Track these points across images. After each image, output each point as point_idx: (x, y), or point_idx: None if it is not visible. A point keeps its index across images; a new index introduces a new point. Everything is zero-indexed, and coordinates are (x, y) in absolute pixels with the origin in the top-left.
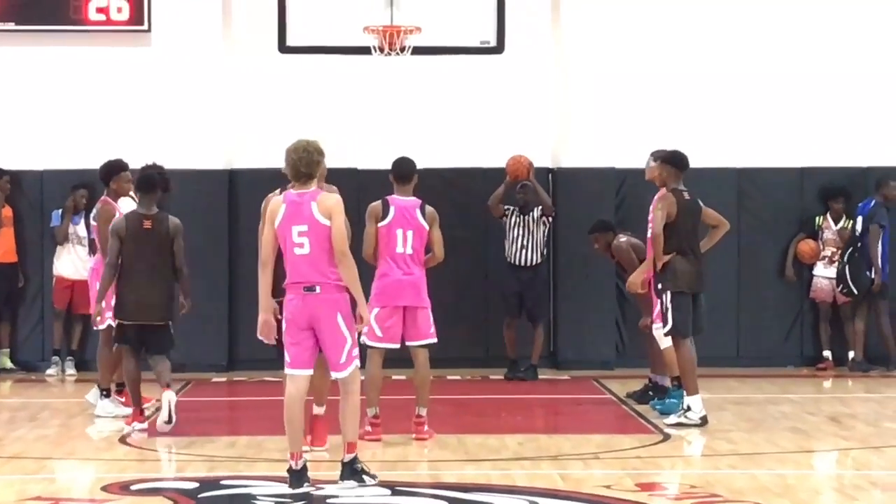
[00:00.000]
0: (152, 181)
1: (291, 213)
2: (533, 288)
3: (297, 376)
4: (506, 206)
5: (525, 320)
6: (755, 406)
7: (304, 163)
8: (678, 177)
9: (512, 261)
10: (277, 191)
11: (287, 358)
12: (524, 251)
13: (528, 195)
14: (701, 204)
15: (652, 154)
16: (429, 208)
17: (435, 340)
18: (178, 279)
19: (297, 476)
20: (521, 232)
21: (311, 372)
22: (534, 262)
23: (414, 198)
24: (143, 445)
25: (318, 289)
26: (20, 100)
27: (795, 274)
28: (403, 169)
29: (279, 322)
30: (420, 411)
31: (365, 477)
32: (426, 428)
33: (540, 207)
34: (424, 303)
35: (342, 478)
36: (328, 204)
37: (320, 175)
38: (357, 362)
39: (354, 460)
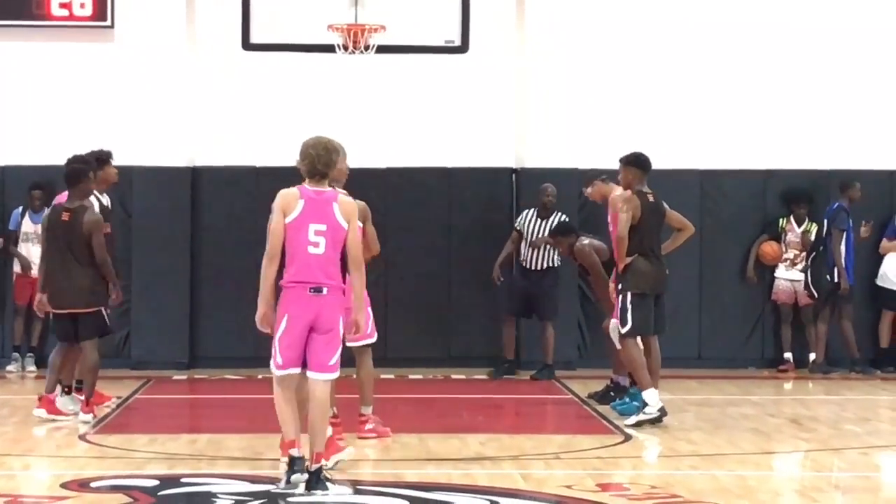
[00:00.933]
0: (75, 174)
1: (311, 210)
2: (542, 289)
3: (286, 376)
4: (526, 209)
5: (525, 322)
6: (716, 407)
7: (323, 161)
8: (642, 178)
9: (525, 264)
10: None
11: (279, 359)
12: (537, 254)
13: (552, 197)
14: (665, 206)
15: (596, 179)
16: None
17: (374, 340)
18: (102, 271)
19: (297, 463)
20: (538, 236)
21: (298, 370)
22: (545, 266)
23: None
24: (103, 443)
25: (325, 290)
26: None
27: (757, 276)
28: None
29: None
30: (361, 409)
31: (329, 484)
32: (368, 427)
33: (559, 214)
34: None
35: (308, 487)
36: (349, 208)
37: (339, 175)
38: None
39: (320, 469)
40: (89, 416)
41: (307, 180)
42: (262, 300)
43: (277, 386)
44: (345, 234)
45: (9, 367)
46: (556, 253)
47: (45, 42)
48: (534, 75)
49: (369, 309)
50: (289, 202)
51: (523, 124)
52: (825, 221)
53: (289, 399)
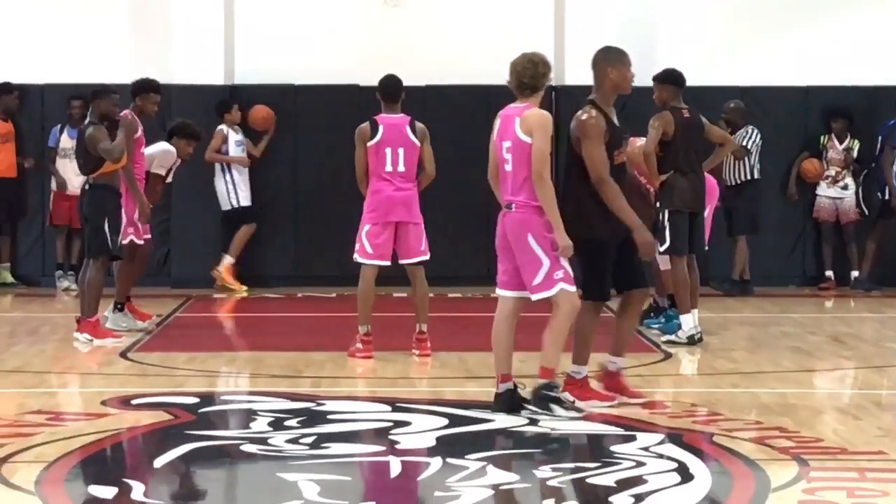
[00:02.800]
0: (94, 93)
1: (502, 127)
2: (735, 204)
3: (503, 296)
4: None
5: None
6: (757, 326)
7: (529, 74)
8: (676, 94)
9: (724, 179)
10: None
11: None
12: (732, 170)
13: (732, 115)
14: (704, 121)
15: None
16: (419, 125)
17: (427, 257)
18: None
19: (501, 399)
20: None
21: (515, 293)
22: (739, 181)
23: (403, 115)
24: (144, 360)
25: (513, 207)
26: (18, 14)
27: (798, 193)
28: (390, 87)
29: None
30: (421, 328)
31: (553, 406)
32: (428, 344)
33: (749, 127)
34: (416, 218)
35: (531, 403)
36: (531, 121)
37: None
38: (563, 286)
39: (547, 386)
40: (85, 336)
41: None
42: (560, 228)
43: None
44: (528, 149)
45: (63, 284)
46: (749, 166)
47: None
48: None
49: (422, 227)
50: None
51: (562, 40)
52: (879, 138)
53: (502, 322)
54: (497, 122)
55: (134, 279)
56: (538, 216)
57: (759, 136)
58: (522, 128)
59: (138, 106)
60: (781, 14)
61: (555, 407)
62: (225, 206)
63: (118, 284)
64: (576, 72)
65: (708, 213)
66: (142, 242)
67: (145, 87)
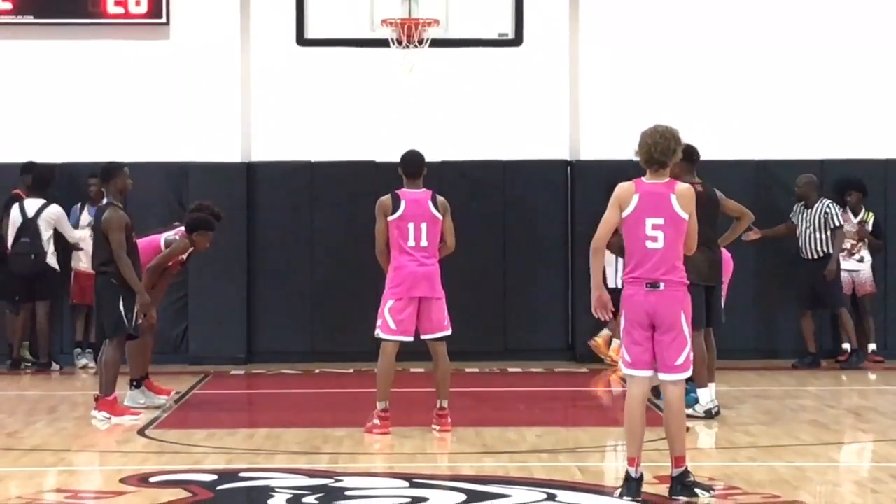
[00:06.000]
0: (107, 171)
1: (647, 203)
2: (821, 278)
3: (638, 377)
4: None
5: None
6: (774, 399)
7: (660, 149)
8: (690, 170)
9: (802, 254)
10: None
11: (627, 357)
12: (810, 243)
13: (803, 188)
14: (719, 195)
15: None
16: (440, 198)
17: (449, 332)
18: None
19: (632, 486)
20: (806, 225)
21: (650, 373)
22: (821, 254)
23: (424, 189)
24: (162, 438)
25: (661, 285)
26: (40, 93)
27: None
28: (413, 163)
29: None
30: (442, 404)
31: (698, 490)
32: (448, 420)
33: (826, 202)
34: (439, 293)
35: (671, 494)
36: (688, 197)
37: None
38: (690, 370)
39: (684, 474)
40: (103, 415)
41: (647, 173)
42: (595, 286)
43: (629, 386)
44: (685, 226)
45: (82, 362)
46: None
47: (101, 40)
48: (587, 67)
49: (443, 302)
50: (624, 197)
51: (577, 116)
52: None
53: (638, 404)
54: (635, 198)
55: (147, 353)
56: (687, 295)
57: (836, 207)
58: (681, 204)
59: (193, 239)
60: (796, 88)
61: (700, 491)
62: None
63: (130, 361)
64: (591, 147)
65: (724, 286)
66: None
67: (205, 225)
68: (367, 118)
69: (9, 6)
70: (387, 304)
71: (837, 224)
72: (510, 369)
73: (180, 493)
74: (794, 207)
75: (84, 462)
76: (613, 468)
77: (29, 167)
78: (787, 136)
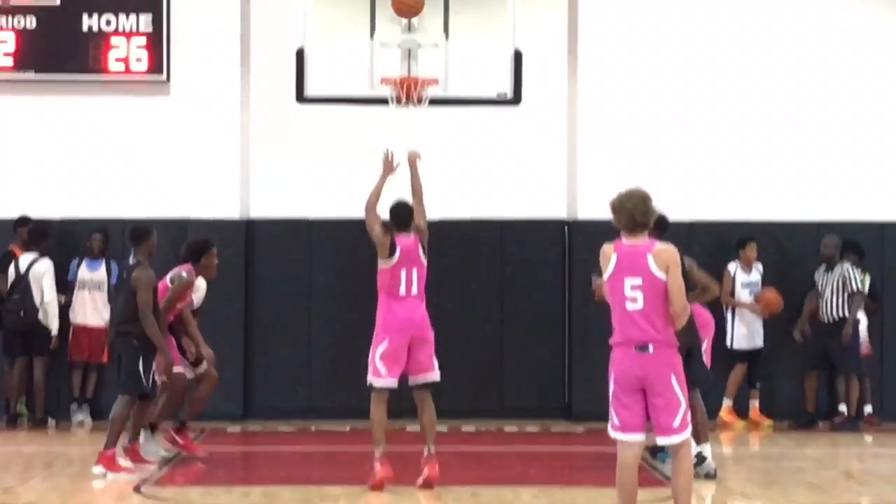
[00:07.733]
0: (136, 232)
1: (624, 264)
2: (838, 341)
3: (627, 441)
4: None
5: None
6: (771, 460)
7: (641, 211)
8: (659, 238)
9: (819, 316)
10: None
11: (616, 420)
12: (828, 306)
13: (830, 250)
14: (689, 262)
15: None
16: (419, 227)
17: (437, 378)
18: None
19: None
20: (827, 288)
21: (642, 437)
22: (837, 318)
23: (413, 234)
24: (158, 495)
25: (650, 348)
26: (40, 148)
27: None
28: (402, 214)
29: None
30: (430, 449)
31: None
32: (436, 465)
33: (846, 265)
34: (428, 330)
35: None
36: (666, 257)
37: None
38: (689, 429)
39: None
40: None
41: (624, 234)
42: None
43: (619, 450)
44: (664, 286)
45: (78, 418)
46: (847, 300)
47: (101, 96)
48: (585, 127)
49: (433, 344)
50: (604, 257)
51: (575, 176)
52: None
53: (629, 468)
54: (613, 258)
55: (172, 409)
56: (678, 356)
57: (856, 271)
58: (658, 264)
59: (203, 265)
60: (792, 151)
61: None
62: None
63: (135, 418)
64: (588, 207)
65: (706, 346)
66: (181, 371)
67: (206, 246)
68: (366, 176)
69: (10, 62)
70: (377, 350)
71: (856, 289)
72: (506, 428)
73: None
74: (818, 269)
75: None
76: None
77: (23, 221)
78: (783, 199)
